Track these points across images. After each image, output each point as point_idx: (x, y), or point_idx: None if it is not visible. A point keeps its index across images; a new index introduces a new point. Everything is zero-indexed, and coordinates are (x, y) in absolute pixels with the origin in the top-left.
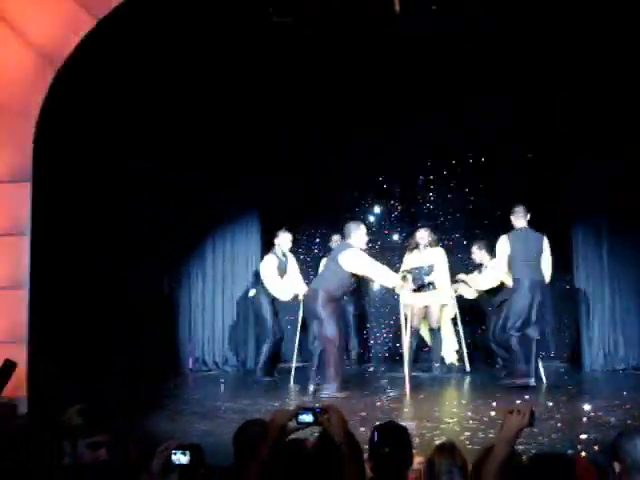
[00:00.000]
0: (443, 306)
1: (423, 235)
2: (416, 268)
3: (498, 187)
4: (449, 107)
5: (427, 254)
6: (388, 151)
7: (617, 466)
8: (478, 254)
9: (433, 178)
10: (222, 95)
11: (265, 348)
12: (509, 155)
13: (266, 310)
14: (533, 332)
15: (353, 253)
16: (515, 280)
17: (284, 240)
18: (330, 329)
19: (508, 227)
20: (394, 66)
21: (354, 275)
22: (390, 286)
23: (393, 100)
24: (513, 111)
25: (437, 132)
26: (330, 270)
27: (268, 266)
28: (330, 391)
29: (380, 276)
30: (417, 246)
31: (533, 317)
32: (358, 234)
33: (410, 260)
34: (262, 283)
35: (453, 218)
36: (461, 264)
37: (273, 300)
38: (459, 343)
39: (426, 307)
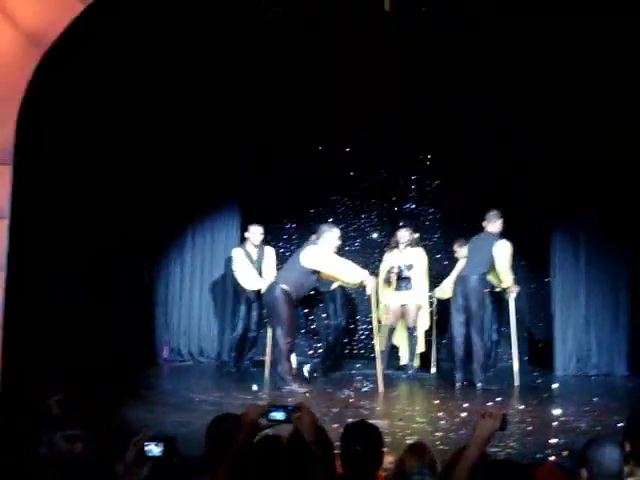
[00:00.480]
0: (419, 307)
1: (404, 234)
2: (395, 267)
3: (480, 191)
4: (434, 108)
5: (407, 254)
6: (371, 150)
7: (584, 473)
8: (460, 252)
9: (415, 178)
10: (207, 87)
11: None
12: (493, 159)
13: (238, 302)
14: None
15: (316, 250)
16: None
17: (254, 234)
18: (285, 328)
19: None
20: (377, 65)
21: (315, 272)
22: (357, 281)
23: (377, 99)
24: (498, 115)
25: (421, 132)
26: (290, 266)
27: (236, 257)
28: (288, 385)
29: (344, 271)
30: (397, 245)
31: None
32: (330, 237)
33: (390, 259)
34: (233, 275)
35: (434, 219)
36: (440, 265)
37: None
38: (429, 346)
39: (403, 306)
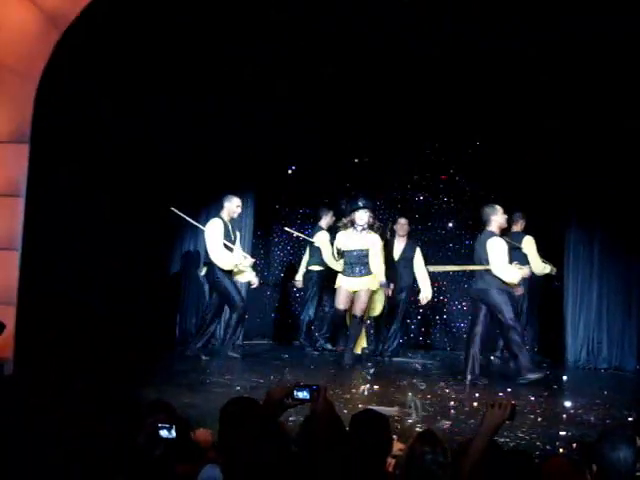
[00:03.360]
0: (374, 293)
1: (363, 217)
2: (352, 251)
3: (495, 184)
4: (452, 100)
5: (363, 237)
6: (384, 139)
7: (594, 468)
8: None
9: (429, 167)
10: (222, 73)
11: (234, 323)
12: (509, 153)
13: (227, 282)
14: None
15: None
16: None
17: (237, 205)
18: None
19: None
20: (395, 61)
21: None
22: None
23: (392, 95)
24: (515, 110)
25: (439, 123)
26: None
27: (214, 229)
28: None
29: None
30: (352, 225)
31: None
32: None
33: (344, 240)
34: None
35: (447, 207)
36: (453, 254)
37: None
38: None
39: (354, 292)
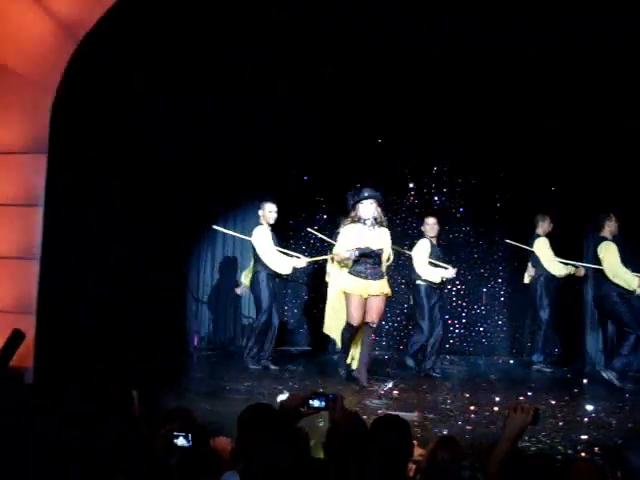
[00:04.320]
0: (386, 297)
1: (368, 208)
2: (366, 249)
3: (511, 186)
4: (450, 104)
5: (374, 233)
6: (404, 142)
7: (619, 473)
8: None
9: (447, 170)
10: (222, 73)
11: (256, 333)
12: (525, 154)
13: (266, 292)
14: None
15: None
16: None
17: (270, 212)
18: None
19: (519, 223)
20: (395, 62)
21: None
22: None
23: (392, 95)
24: (513, 116)
25: (457, 125)
26: None
27: (264, 238)
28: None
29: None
30: (359, 220)
31: None
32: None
33: (353, 236)
34: (260, 260)
35: (466, 210)
36: (470, 257)
37: (273, 279)
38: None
39: (367, 298)
